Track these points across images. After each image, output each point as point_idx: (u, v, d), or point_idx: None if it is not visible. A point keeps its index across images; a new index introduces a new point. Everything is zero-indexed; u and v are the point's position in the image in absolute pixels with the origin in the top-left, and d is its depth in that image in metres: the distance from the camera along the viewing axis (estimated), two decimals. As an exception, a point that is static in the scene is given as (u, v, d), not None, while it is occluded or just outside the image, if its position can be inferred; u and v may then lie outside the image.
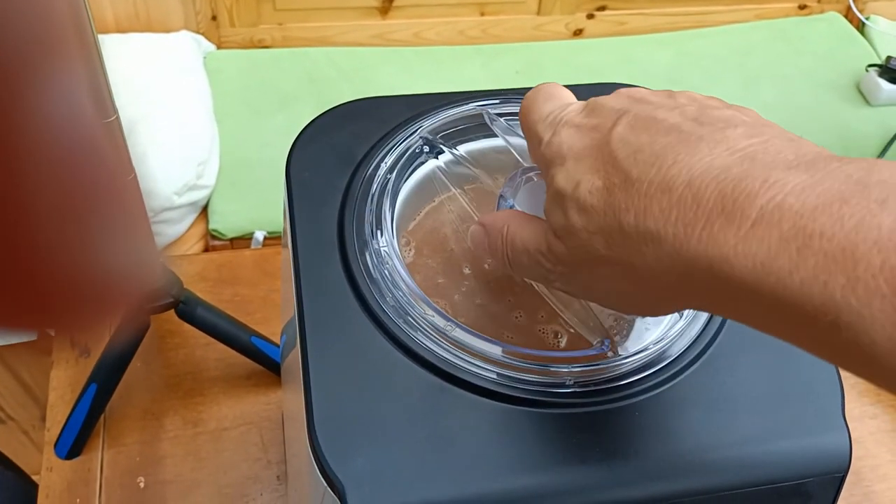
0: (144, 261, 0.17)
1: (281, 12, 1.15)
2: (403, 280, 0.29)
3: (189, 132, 0.97)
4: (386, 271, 0.29)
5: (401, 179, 0.32)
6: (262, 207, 0.95)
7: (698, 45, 1.28)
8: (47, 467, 0.53)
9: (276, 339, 0.58)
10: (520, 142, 0.31)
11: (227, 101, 1.07)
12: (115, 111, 0.39)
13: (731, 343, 0.29)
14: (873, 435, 0.61)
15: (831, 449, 0.27)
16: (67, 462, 0.53)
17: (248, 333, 0.56)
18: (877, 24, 1.33)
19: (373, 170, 0.32)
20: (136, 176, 0.43)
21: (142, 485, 0.53)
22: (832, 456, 0.27)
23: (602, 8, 1.27)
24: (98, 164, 0.15)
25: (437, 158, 0.33)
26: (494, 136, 0.33)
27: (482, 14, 1.22)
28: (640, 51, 1.26)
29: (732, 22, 1.32)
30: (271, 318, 0.62)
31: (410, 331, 0.28)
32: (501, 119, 0.33)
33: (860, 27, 1.35)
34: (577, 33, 1.29)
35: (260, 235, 0.94)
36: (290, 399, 0.38)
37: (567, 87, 0.37)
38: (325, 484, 0.25)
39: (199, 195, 0.96)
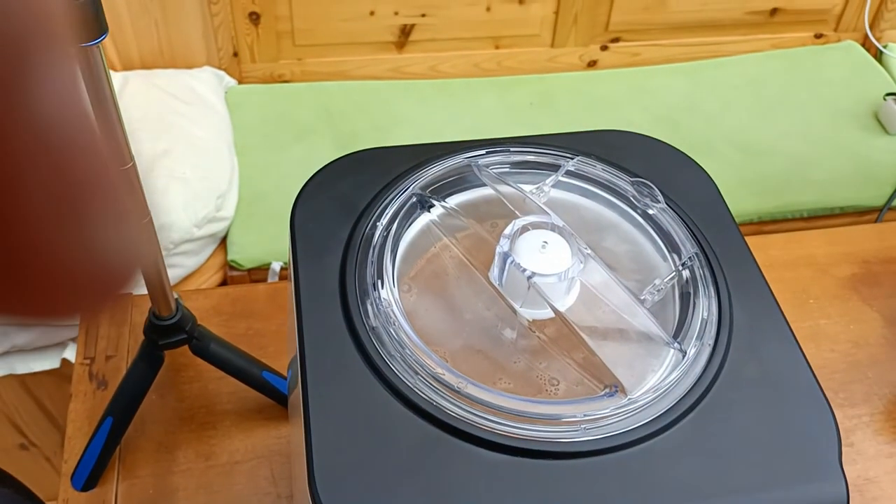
0: (133, 249, 0.17)
1: (300, 48, 1.17)
2: (404, 330, 0.30)
3: (209, 165, 1.00)
4: (386, 321, 0.30)
5: (400, 231, 0.33)
6: (279, 239, 0.96)
7: (713, 75, 1.28)
8: (63, 499, 0.54)
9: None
10: (508, 189, 0.32)
11: (247, 134, 1.09)
12: (132, 158, 0.40)
13: (727, 390, 0.29)
14: (889, 474, 0.60)
15: (828, 497, 0.27)
16: (83, 494, 0.54)
17: (260, 368, 0.57)
18: (894, 52, 1.32)
19: (373, 222, 0.33)
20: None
21: (155, 518, 0.54)
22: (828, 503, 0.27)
23: (616, 39, 1.28)
24: (89, 156, 0.16)
25: (430, 212, 0.34)
26: (483, 185, 0.34)
27: (497, 47, 1.24)
28: (654, 81, 1.26)
29: (748, 52, 1.33)
30: (284, 352, 0.63)
31: (410, 381, 0.29)
32: (489, 168, 0.34)
33: (878, 56, 1.34)
34: (591, 65, 1.30)
35: (277, 266, 0.95)
36: (295, 434, 0.39)
37: (577, 133, 0.38)
38: (323, 532, 0.26)
39: (218, 227, 0.98)
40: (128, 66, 1.09)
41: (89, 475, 0.54)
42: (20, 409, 0.98)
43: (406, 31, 1.19)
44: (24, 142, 0.14)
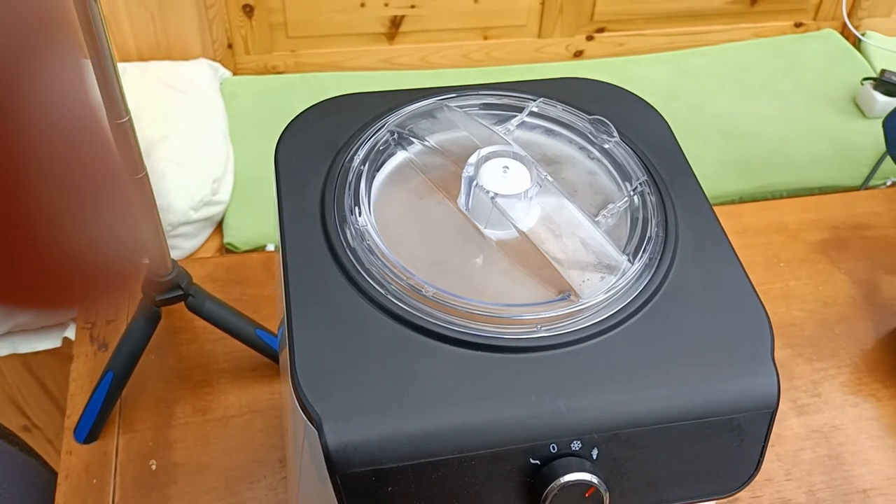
0: (137, 242, 0.18)
1: (293, 39, 1.21)
2: (378, 247, 0.33)
3: (205, 151, 1.03)
4: (362, 240, 0.33)
5: (377, 163, 0.36)
6: (273, 222, 0.99)
7: (696, 63, 1.32)
8: (67, 451, 0.57)
9: (280, 333, 0.61)
10: (475, 125, 0.35)
11: (241, 123, 1.13)
12: (128, 112, 0.43)
13: (671, 296, 0.32)
14: (854, 423, 0.63)
15: (760, 388, 0.30)
16: (85, 446, 0.57)
17: (254, 326, 0.60)
18: (872, 39, 1.36)
19: (351, 155, 0.36)
20: (146, 175, 0.48)
21: (154, 467, 0.57)
22: (761, 394, 0.30)
23: (601, 30, 1.31)
24: (96, 149, 0.16)
25: (406, 150, 0.37)
26: (453, 127, 0.37)
27: (485, 38, 1.28)
28: (638, 70, 1.30)
29: (729, 41, 1.36)
30: (277, 316, 0.66)
31: (382, 289, 0.32)
32: (460, 110, 0.37)
33: (856, 43, 1.38)
34: (578, 55, 1.33)
35: (271, 248, 0.98)
36: (286, 388, 0.41)
37: (541, 80, 0.41)
38: (305, 418, 0.29)
39: (214, 210, 1.01)
40: (125, 59, 1.12)
41: (91, 428, 0.57)
42: (23, 389, 1.01)
43: (396, 23, 1.22)
44: (29, 136, 0.14)
